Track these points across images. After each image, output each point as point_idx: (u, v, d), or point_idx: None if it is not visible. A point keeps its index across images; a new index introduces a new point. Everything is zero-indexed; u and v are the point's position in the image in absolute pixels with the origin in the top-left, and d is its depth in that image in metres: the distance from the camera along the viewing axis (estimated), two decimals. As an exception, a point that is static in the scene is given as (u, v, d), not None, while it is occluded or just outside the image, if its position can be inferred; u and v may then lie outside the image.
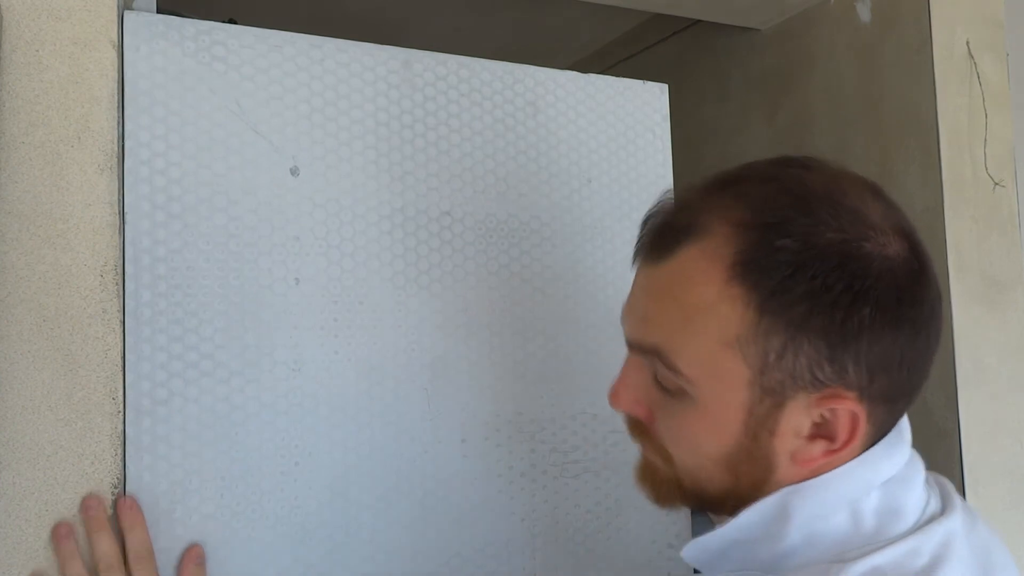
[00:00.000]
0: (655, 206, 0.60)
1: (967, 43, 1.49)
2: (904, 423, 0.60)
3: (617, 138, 1.04)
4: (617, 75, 1.07)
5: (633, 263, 0.61)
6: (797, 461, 0.56)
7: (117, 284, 0.77)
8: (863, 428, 0.55)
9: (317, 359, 0.85)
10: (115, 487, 0.76)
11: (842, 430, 0.54)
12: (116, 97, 0.78)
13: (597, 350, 1.00)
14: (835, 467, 0.56)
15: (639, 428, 0.63)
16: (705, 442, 0.57)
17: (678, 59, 2.06)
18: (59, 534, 0.73)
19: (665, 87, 1.09)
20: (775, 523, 0.56)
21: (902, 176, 1.50)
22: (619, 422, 1.02)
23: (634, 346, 0.60)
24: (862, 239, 0.52)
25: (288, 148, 0.86)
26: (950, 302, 1.45)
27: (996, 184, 1.50)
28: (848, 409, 0.54)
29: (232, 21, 0.92)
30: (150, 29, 0.81)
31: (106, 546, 0.73)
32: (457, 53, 0.96)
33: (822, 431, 0.55)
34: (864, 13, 1.57)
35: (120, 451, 0.77)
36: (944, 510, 0.59)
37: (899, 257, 0.53)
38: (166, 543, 0.78)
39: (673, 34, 2.05)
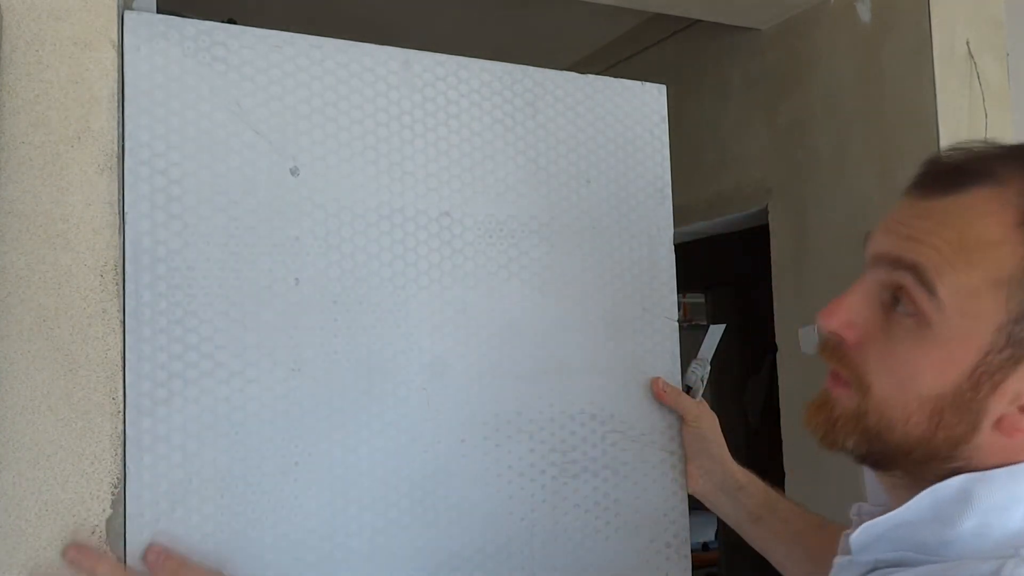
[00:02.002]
0: (940, 152, 0.59)
1: (967, 43, 1.49)
2: None
3: (616, 139, 1.04)
4: (617, 75, 1.07)
5: (905, 194, 0.59)
6: (1001, 429, 0.54)
7: (117, 284, 0.78)
8: None
9: (317, 359, 0.85)
10: (115, 487, 0.76)
11: None
12: (116, 97, 0.79)
13: (596, 350, 1.00)
14: None
15: (838, 353, 0.60)
16: (924, 376, 0.55)
17: (678, 59, 2.06)
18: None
19: (663, 88, 1.09)
20: (951, 506, 0.54)
21: (902, 176, 1.49)
22: (618, 421, 1.02)
23: (884, 261, 0.58)
24: None
25: (288, 148, 0.86)
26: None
27: (996, 184, 1.50)
28: None
29: (232, 21, 0.92)
30: (150, 29, 0.81)
31: None
32: (457, 53, 0.96)
33: None
34: (864, 13, 1.57)
35: (120, 451, 0.77)
36: None
37: None
38: (166, 543, 0.78)
39: (673, 34, 2.05)
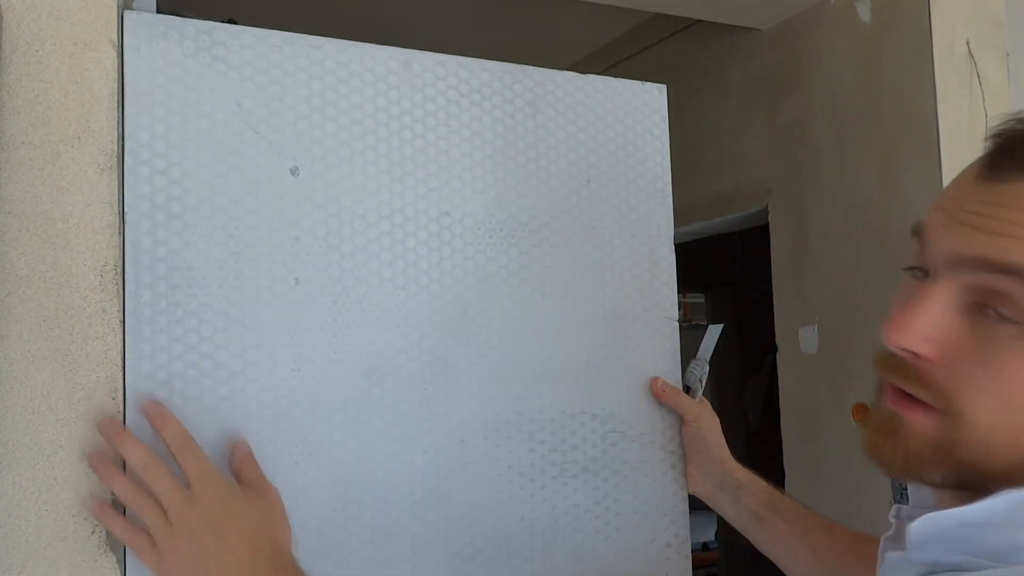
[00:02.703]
0: (1013, 120, 0.51)
1: (967, 43, 1.49)
2: None
3: (616, 139, 1.04)
4: (617, 75, 1.07)
5: (976, 176, 0.51)
6: None
7: (117, 284, 0.78)
8: None
9: (317, 359, 0.85)
10: (115, 487, 0.76)
11: None
12: (116, 97, 0.79)
13: (596, 350, 1.00)
14: None
15: (912, 373, 0.51)
16: None
17: (678, 59, 2.06)
18: (94, 461, 0.74)
19: (664, 88, 1.09)
20: None
21: (902, 176, 1.50)
22: (618, 421, 1.02)
23: (969, 263, 0.49)
24: None
25: (288, 148, 0.86)
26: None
27: (996, 184, 1.50)
28: None
29: (232, 21, 0.92)
30: (150, 29, 0.81)
31: (137, 451, 0.74)
32: (457, 53, 0.96)
33: None
34: (864, 13, 1.57)
35: (120, 451, 0.77)
36: None
37: None
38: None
39: (673, 34, 2.05)
